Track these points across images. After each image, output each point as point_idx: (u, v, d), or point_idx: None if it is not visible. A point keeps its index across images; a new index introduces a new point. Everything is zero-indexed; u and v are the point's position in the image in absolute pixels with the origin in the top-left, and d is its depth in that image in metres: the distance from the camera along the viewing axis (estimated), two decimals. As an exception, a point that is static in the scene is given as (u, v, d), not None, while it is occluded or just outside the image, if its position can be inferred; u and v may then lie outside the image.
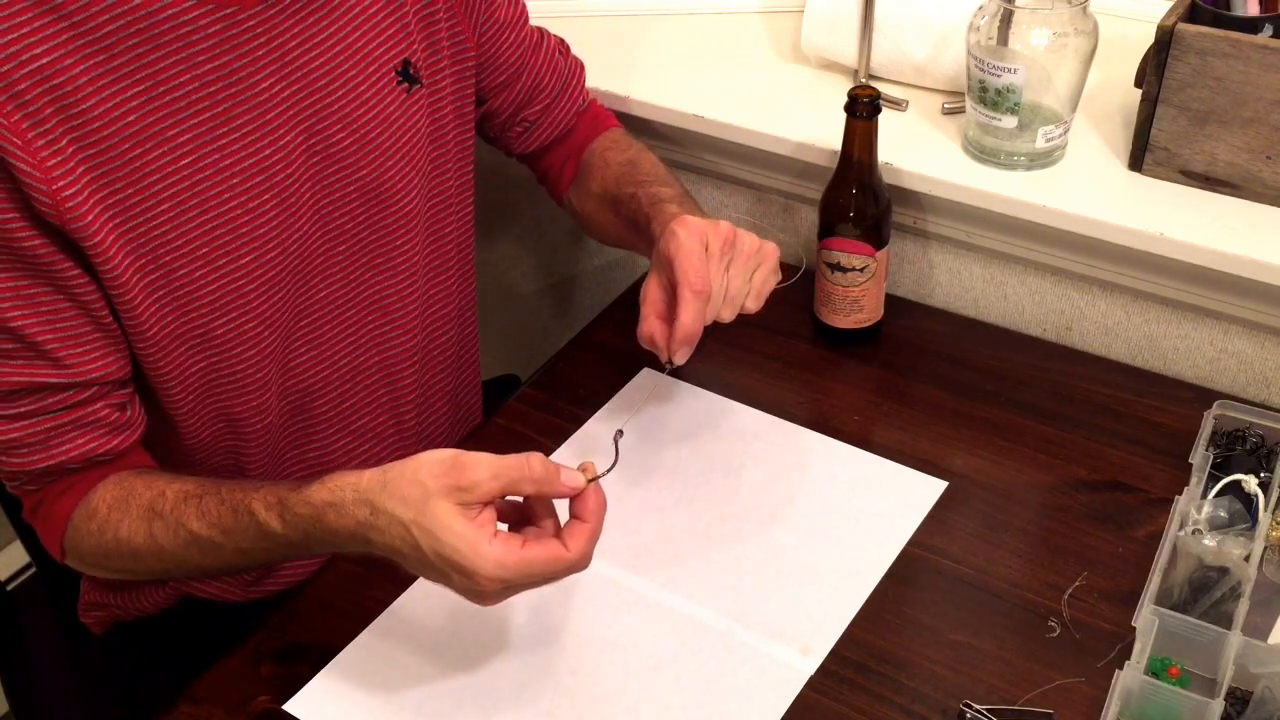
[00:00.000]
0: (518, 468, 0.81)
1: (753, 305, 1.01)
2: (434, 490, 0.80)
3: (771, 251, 1.02)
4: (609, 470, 0.87)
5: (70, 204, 0.84)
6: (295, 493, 0.86)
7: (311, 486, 0.86)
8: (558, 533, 0.83)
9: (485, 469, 0.80)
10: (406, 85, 1.02)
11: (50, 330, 0.89)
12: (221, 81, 0.90)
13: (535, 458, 0.82)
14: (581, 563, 0.83)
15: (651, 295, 0.99)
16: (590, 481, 0.84)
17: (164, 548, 0.92)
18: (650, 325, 0.98)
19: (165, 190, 0.89)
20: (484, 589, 0.81)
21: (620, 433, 0.94)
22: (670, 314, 0.97)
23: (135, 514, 0.93)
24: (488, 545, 0.79)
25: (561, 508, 0.85)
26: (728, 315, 0.99)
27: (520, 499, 0.85)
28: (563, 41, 1.23)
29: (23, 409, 0.90)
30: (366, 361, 1.10)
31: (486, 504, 0.81)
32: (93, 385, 0.92)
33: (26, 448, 0.92)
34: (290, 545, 0.88)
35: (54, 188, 0.83)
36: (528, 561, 0.80)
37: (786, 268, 1.08)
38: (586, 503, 0.83)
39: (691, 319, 0.94)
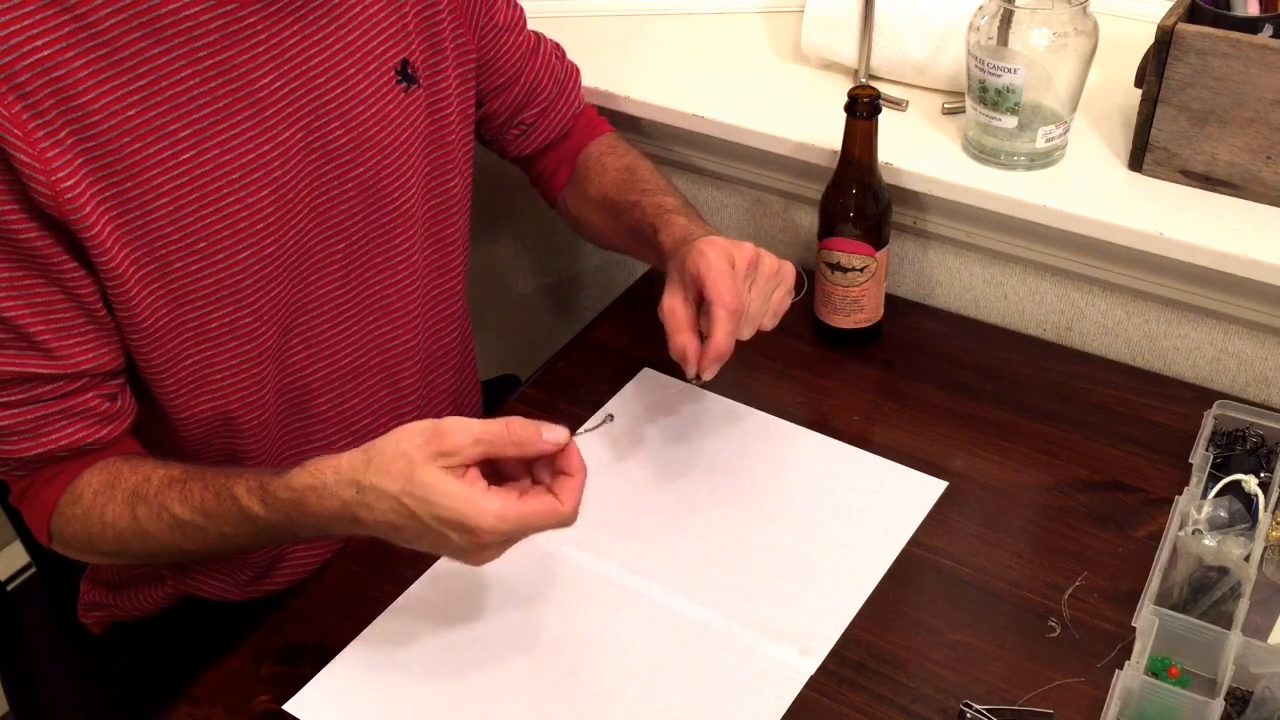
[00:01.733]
0: (499, 433, 0.83)
1: (769, 324, 1.03)
2: (418, 459, 0.82)
3: (789, 272, 1.04)
4: (591, 429, 0.89)
5: (69, 195, 0.84)
6: (276, 477, 0.88)
7: (292, 471, 0.87)
8: (548, 488, 0.86)
9: (466, 434, 0.82)
10: (405, 85, 1.02)
11: (43, 321, 0.89)
12: (222, 77, 0.90)
13: (515, 421, 0.84)
14: (573, 516, 0.85)
15: (679, 310, 1.00)
16: (574, 436, 0.86)
17: (147, 531, 0.93)
18: (684, 339, 0.99)
19: (165, 185, 0.89)
20: (485, 542, 0.83)
21: (610, 417, 0.94)
22: (695, 328, 1.00)
23: (120, 498, 0.94)
24: (485, 499, 0.82)
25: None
26: (746, 334, 1.01)
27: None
28: (559, 45, 1.23)
29: (13, 398, 0.91)
30: (368, 362, 1.10)
31: (469, 466, 0.83)
32: (84, 376, 0.93)
33: (16, 435, 0.92)
34: (273, 528, 0.90)
35: (53, 179, 0.83)
36: (525, 515, 0.83)
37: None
38: (570, 459, 0.85)
39: (725, 336, 0.97)
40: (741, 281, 0.99)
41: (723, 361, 0.98)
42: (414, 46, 1.03)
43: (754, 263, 1.00)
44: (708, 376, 0.99)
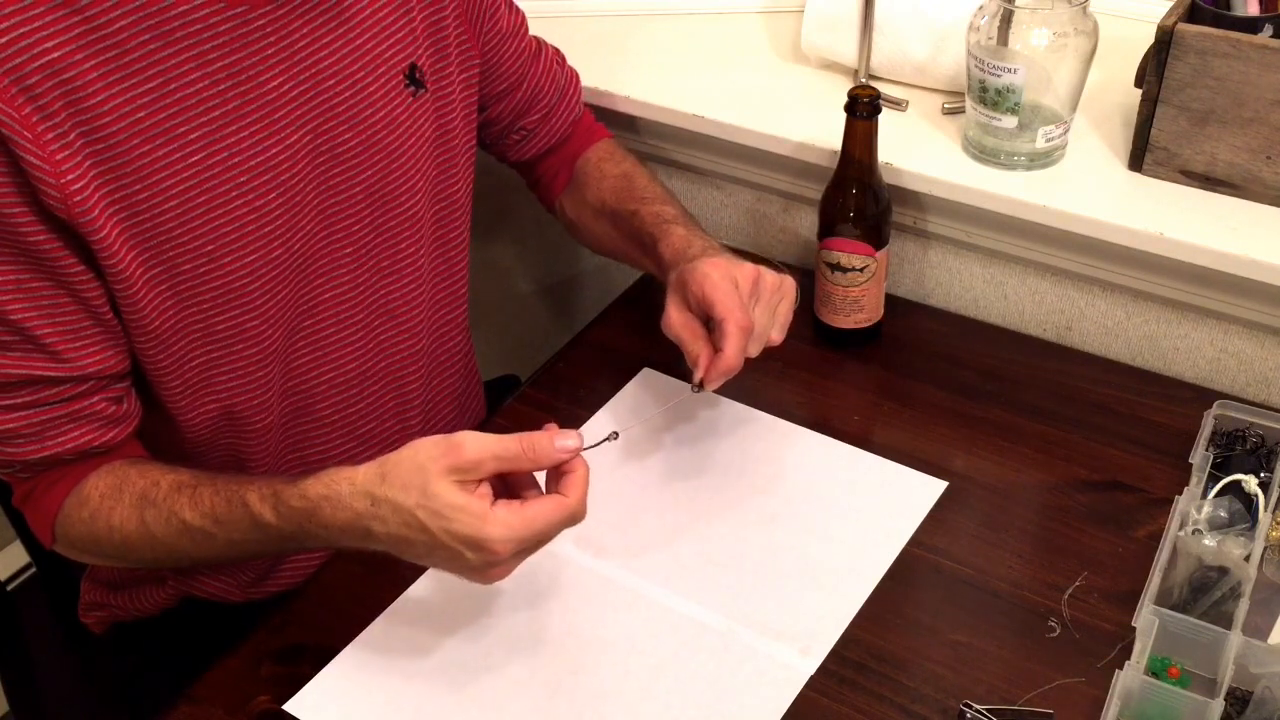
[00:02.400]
0: (514, 450, 0.83)
1: (777, 338, 1.04)
2: (434, 472, 0.82)
3: (790, 287, 1.05)
4: (596, 445, 0.89)
5: (77, 198, 0.84)
6: (290, 486, 0.88)
7: (306, 480, 0.87)
8: (552, 489, 0.86)
9: (483, 450, 0.83)
10: (413, 89, 1.02)
11: (50, 324, 0.89)
12: (231, 80, 0.90)
13: (528, 437, 0.84)
14: (581, 509, 0.85)
15: (690, 324, 1.01)
16: (589, 448, 0.87)
17: (155, 536, 0.93)
18: (700, 347, 1.00)
19: (173, 187, 0.89)
20: (498, 555, 0.83)
21: (615, 434, 0.95)
22: (709, 339, 1.00)
23: (128, 502, 0.93)
24: (493, 512, 0.82)
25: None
26: (755, 351, 1.01)
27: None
28: (559, 51, 1.23)
29: (19, 400, 0.91)
30: (374, 367, 1.10)
31: (482, 481, 0.84)
32: (90, 379, 0.92)
33: (22, 438, 0.92)
34: (284, 537, 0.89)
35: (62, 181, 0.83)
36: (532, 519, 0.83)
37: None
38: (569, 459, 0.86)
39: (736, 352, 0.98)
40: (747, 300, 1.00)
41: (729, 376, 0.99)
42: (421, 51, 1.03)
43: (756, 281, 1.01)
44: (711, 388, 1.00)
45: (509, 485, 0.87)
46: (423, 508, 0.82)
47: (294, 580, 1.14)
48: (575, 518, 0.85)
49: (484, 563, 0.83)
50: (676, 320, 1.02)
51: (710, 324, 1.00)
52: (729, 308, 0.98)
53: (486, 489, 0.83)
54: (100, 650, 1.21)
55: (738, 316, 0.98)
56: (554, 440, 0.84)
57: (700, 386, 1.00)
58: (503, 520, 0.82)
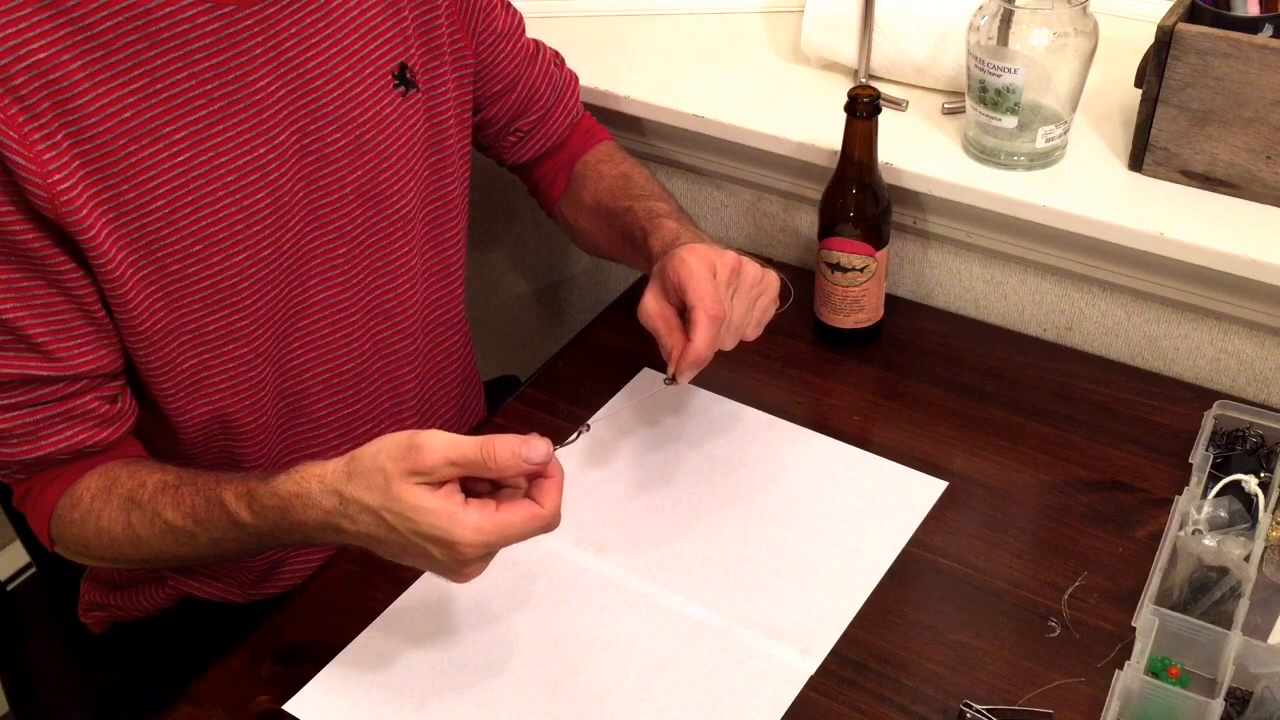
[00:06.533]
0: (474, 458, 0.80)
1: (752, 334, 1.02)
2: (393, 474, 0.80)
3: (773, 282, 1.03)
4: (568, 444, 0.87)
5: (65, 198, 0.84)
6: (263, 484, 0.87)
7: (279, 478, 0.87)
8: (526, 492, 0.83)
9: (440, 455, 0.80)
10: (403, 89, 1.02)
11: (42, 324, 0.89)
12: (218, 79, 0.90)
13: (493, 445, 0.80)
14: (555, 518, 0.83)
15: (667, 312, 0.99)
16: (561, 446, 0.84)
17: (141, 537, 0.93)
18: (675, 338, 0.98)
19: (160, 186, 0.89)
20: (467, 556, 0.81)
21: (587, 427, 0.93)
22: (682, 329, 0.98)
23: (116, 504, 0.93)
24: (463, 513, 0.80)
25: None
26: (729, 343, 0.99)
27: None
28: (558, 53, 1.23)
29: (13, 400, 0.91)
30: (369, 367, 1.10)
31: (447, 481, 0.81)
32: (83, 378, 0.93)
33: (16, 438, 0.92)
34: (261, 535, 0.89)
35: (49, 182, 0.83)
36: (506, 524, 0.81)
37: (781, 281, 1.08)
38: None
39: (705, 342, 0.95)
40: (724, 289, 0.97)
41: (700, 367, 0.96)
42: (412, 50, 1.03)
43: (736, 271, 0.98)
44: (684, 381, 0.97)
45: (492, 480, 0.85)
46: (387, 509, 0.81)
47: (294, 580, 1.14)
48: (549, 526, 0.83)
49: (454, 561, 0.82)
50: (652, 309, 0.99)
51: (684, 313, 0.97)
52: (700, 295, 0.95)
53: (454, 487, 0.81)
54: (100, 650, 1.21)
55: (708, 305, 0.94)
56: (519, 450, 0.81)
57: (673, 379, 0.97)
58: (473, 524, 0.80)
